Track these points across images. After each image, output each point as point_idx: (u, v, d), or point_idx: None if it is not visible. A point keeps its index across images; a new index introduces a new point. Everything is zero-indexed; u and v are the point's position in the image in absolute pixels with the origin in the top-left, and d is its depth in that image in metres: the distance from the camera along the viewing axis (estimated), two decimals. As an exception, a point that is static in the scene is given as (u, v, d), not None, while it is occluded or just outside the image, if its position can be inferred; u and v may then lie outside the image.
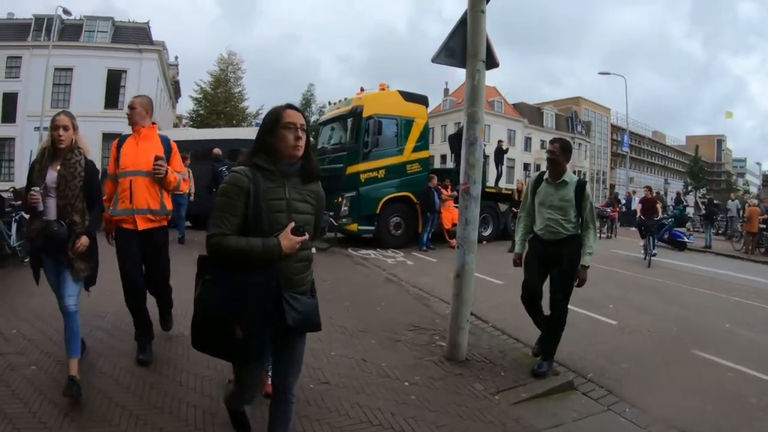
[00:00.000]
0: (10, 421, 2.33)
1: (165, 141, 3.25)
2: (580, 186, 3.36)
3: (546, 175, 3.47)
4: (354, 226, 9.46)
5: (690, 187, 47.77)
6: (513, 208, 12.29)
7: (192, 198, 8.68)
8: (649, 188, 11.48)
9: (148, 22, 27.60)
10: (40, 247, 2.70)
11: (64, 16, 20.19)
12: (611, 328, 4.88)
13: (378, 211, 9.60)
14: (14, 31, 25.54)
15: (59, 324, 2.82)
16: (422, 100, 10.50)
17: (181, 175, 3.25)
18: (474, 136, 3.56)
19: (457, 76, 40.63)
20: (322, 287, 2.22)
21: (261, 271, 1.66)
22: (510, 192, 12.68)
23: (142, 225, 3.09)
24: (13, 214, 6.62)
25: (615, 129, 53.12)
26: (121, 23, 27.28)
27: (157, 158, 3.02)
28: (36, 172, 2.68)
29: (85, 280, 2.77)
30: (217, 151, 8.74)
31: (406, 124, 10.00)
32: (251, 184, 1.69)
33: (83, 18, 26.43)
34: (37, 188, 2.62)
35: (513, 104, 42.08)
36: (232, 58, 31.73)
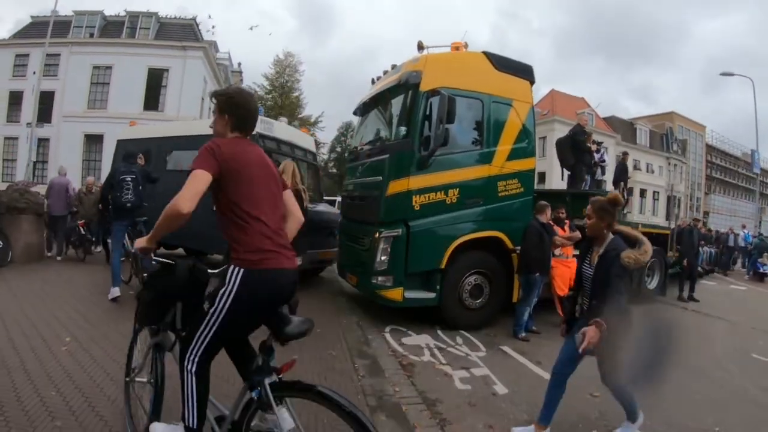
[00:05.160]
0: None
1: None
2: None
3: None
4: (397, 292, 5.01)
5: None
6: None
7: None
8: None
9: (194, 18, 25.74)
10: None
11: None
12: None
13: (443, 265, 5.14)
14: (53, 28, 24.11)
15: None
16: (525, 71, 5.90)
17: None
18: None
19: (540, 90, 35.06)
20: None
21: None
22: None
23: None
24: None
25: (710, 149, 47.18)
26: (166, 20, 25.49)
27: None
28: None
29: None
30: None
31: (498, 108, 5.58)
32: None
33: (126, 13, 24.80)
34: None
35: (604, 118, 36.04)
36: (289, 60, 29.02)
